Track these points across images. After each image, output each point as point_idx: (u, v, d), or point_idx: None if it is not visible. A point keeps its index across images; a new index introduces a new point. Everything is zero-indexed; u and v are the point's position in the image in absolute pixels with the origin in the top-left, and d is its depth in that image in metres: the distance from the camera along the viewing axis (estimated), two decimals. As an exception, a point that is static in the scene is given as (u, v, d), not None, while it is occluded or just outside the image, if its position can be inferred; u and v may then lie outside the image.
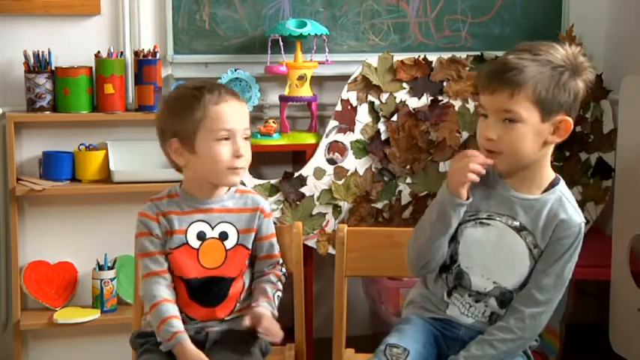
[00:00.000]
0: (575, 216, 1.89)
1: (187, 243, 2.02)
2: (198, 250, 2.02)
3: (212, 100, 1.97)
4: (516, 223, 1.89)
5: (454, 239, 1.94)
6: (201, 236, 2.03)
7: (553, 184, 1.91)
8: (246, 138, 2.01)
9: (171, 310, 1.97)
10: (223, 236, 2.04)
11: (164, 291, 1.98)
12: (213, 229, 2.04)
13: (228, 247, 2.04)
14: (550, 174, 1.92)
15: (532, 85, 1.79)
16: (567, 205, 1.89)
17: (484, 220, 1.91)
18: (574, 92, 1.83)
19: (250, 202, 2.08)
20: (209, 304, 2.04)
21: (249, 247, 2.07)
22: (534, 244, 1.88)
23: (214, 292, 2.03)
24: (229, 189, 2.07)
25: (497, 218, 1.90)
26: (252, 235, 2.07)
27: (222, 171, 1.99)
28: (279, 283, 2.10)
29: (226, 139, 1.97)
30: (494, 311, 1.93)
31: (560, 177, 1.94)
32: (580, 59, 1.84)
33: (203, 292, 2.03)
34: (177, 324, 1.95)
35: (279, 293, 2.08)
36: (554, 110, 1.82)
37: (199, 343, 1.99)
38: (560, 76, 1.81)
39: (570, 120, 1.85)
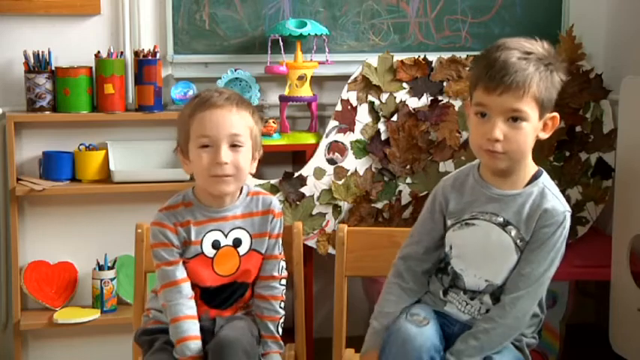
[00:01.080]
0: (559, 205, 1.88)
1: (203, 253, 2.01)
2: (213, 258, 2.01)
3: (200, 106, 1.95)
4: (500, 219, 1.90)
5: (445, 244, 1.96)
6: (215, 245, 2.01)
7: (535, 177, 1.91)
8: (236, 145, 1.95)
9: (192, 329, 1.96)
10: (237, 243, 2.03)
11: (185, 305, 1.97)
12: (226, 236, 2.02)
13: (241, 254, 2.04)
14: (532, 168, 1.92)
15: (536, 84, 1.81)
16: (550, 196, 1.88)
17: (468, 221, 1.92)
18: (558, 88, 1.86)
19: (261, 205, 2.06)
20: (218, 307, 2.04)
21: (263, 251, 2.06)
22: (520, 237, 1.89)
23: (225, 296, 2.04)
24: (240, 195, 2.05)
25: (481, 217, 1.91)
26: (265, 239, 2.06)
27: (206, 178, 1.96)
28: (279, 307, 2.07)
29: (207, 145, 1.94)
30: (489, 308, 1.93)
31: (542, 170, 1.94)
32: (555, 53, 1.87)
33: (215, 296, 2.03)
34: (195, 347, 1.94)
35: (282, 320, 2.08)
36: (548, 107, 1.85)
37: (207, 329, 1.99)
38: (551, 73, 1.83)
39: (558, 115, 1.87)
